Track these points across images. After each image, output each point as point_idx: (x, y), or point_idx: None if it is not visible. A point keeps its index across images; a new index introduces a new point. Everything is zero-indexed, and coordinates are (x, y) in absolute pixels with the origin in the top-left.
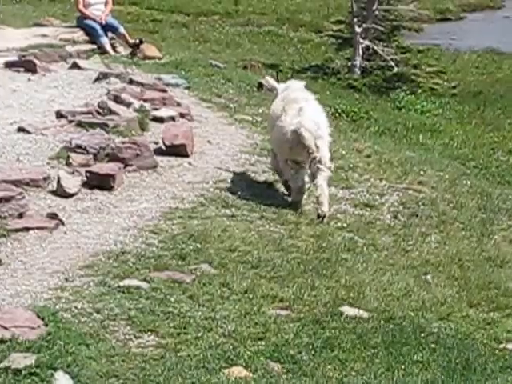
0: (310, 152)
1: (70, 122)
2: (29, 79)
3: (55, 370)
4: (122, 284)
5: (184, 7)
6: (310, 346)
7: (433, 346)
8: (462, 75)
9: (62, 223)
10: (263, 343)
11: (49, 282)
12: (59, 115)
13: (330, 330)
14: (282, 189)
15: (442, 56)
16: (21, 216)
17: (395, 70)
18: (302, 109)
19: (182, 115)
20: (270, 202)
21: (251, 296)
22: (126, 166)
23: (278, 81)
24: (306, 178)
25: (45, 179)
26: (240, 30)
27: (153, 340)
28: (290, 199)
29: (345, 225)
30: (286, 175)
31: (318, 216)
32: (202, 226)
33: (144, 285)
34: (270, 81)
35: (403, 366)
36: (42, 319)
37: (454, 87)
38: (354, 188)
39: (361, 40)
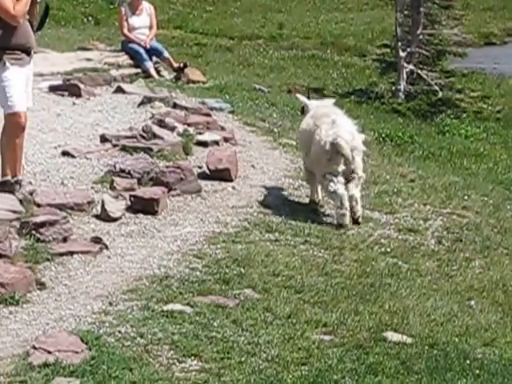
0: (347, 162)
1: (115, 146)
2: (73, 103)
3: None
4: (165, 308)
5: (228, 31)
6: (354, 372)
7: (477, 372)
8: (506, 100)
9: (106, 247)
10: (306, 368)
11: (92, 306)
12: (103, 139)
13: (374, 355)
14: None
15: (487, 80)
16: (65, 240)
17: (440, 94)
18: (335, 121)
19: (225, 139)
20: (313, 226)
21: (294, 321)
22: (170, 190)
23: (309, 98)
24: (343, 190)
25: (89, 203)
26: (284, 53)
27: (196, 365)
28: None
29: (389, 250)
30: (324, 190)
31: (353, 220)
32: (245, 251)
33: (187, 309)
34: (300, 98)
35: None
36: (86, 343)
37: (499, 112)
38: (397, 213)
39: (405, 64)
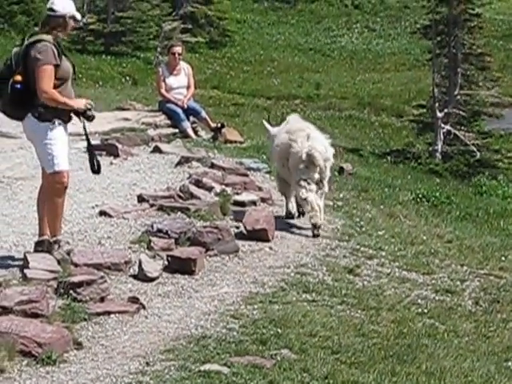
0: (320, 171)
1: (152, 206)
2: (111, 163)
3: None
4: (202, 368)
5: (265, 91)
6: None
7: None
8: None
9: (143, 307)
10: None
11: (129, 366)
12: (141, 199)
13: None
14: (287, 213)
15: None
16: (102, 300)
17: (477, 155)
18: (310, 135)
19: (263, 200)
20: (350, 287)
21: (332, 382)
22: (208, 250)
23: (269, 123)
24: (313, 197)
25: (126, 263)
26: (321, 114)
27: None
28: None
29: (426, 311)
30: (297, 195)
31: (314, 226)
32: (282, 311)
33: (225, 369)
34: (265, 123)
35: None
36: None
37: None
38: (434, 274)
39: (442, 125)
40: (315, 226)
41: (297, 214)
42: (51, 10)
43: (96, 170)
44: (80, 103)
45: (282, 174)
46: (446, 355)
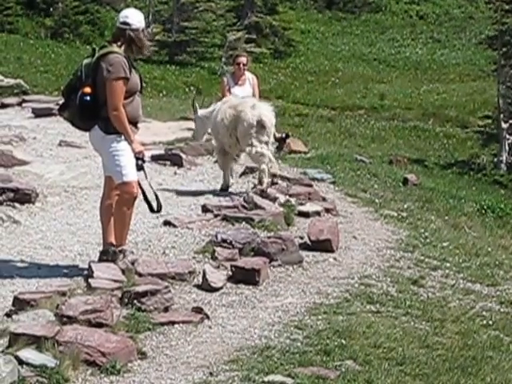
0: (268, 134)
1: (216, 216)
2: (175, 173)
3: None
4: (266, 379)
5: (329, 101)
6: None
7: None
8: None
9: (207, 317)
10: None
11: (193, 376)
12: (205, 209)
13: None
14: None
15: None
16: (166, 310)
17: None
18: (255, 104)
19: (327, 210)
20: (414, 298)
21: None
22: (272, 260)
23: (201, 105)
24: (268, 152)
25: (190, 273)
26: (385, 124)
27: None
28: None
29: (490, 322)
30: (251, 155)
31: (273, 175)
32: (346, 322)
33: (288, 380)
34: (196, 105)
35: None
36: None
37: None
38: (499, 285)
39: (507, 136)
40: (274, 175)
41: (263, 186)
42: (126, 23)
43: (157, 209)
44: (137, 145)
45: (226, 146)
46: (511, 367)
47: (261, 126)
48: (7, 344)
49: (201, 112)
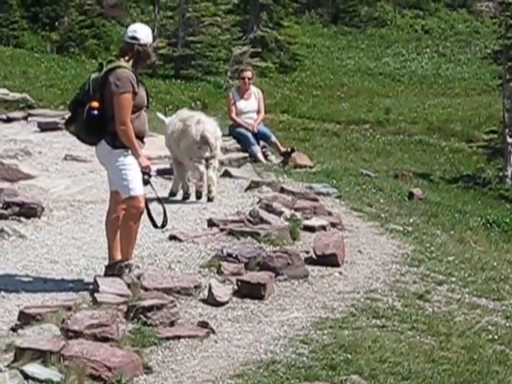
0: (212, 149)
1: (222, 230)
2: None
3: None
4: None
5: (335, 116)
6: None
7: None
8: None
9: (213, 332)
10: None
11: None
12: (211, 223)
13: None
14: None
15: None
16: (172, 324)
17: None
18: (200, 119)
19: (333, 224)
20: (420, 312)
21: None
22: (277, 275)
23: (165, 115)
24: (204, 169)
25: (196, 287)
26: (391, 138)
27: None
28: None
29: (496, 337)
30: (191, 170)
31: (208, 198)
32: (352, 337)
33: None
34: (159, 115)
35: None
36: None
37: None
38: (505, 300)
39: None
40: (199, 193)
41: (188, 195)
42: (134, 38)
43: (162, 225)
44: (144, 160)
45: (178, 157)
46: None
47: (204, 141)
48: (13, 358)
49: (167, 120)
